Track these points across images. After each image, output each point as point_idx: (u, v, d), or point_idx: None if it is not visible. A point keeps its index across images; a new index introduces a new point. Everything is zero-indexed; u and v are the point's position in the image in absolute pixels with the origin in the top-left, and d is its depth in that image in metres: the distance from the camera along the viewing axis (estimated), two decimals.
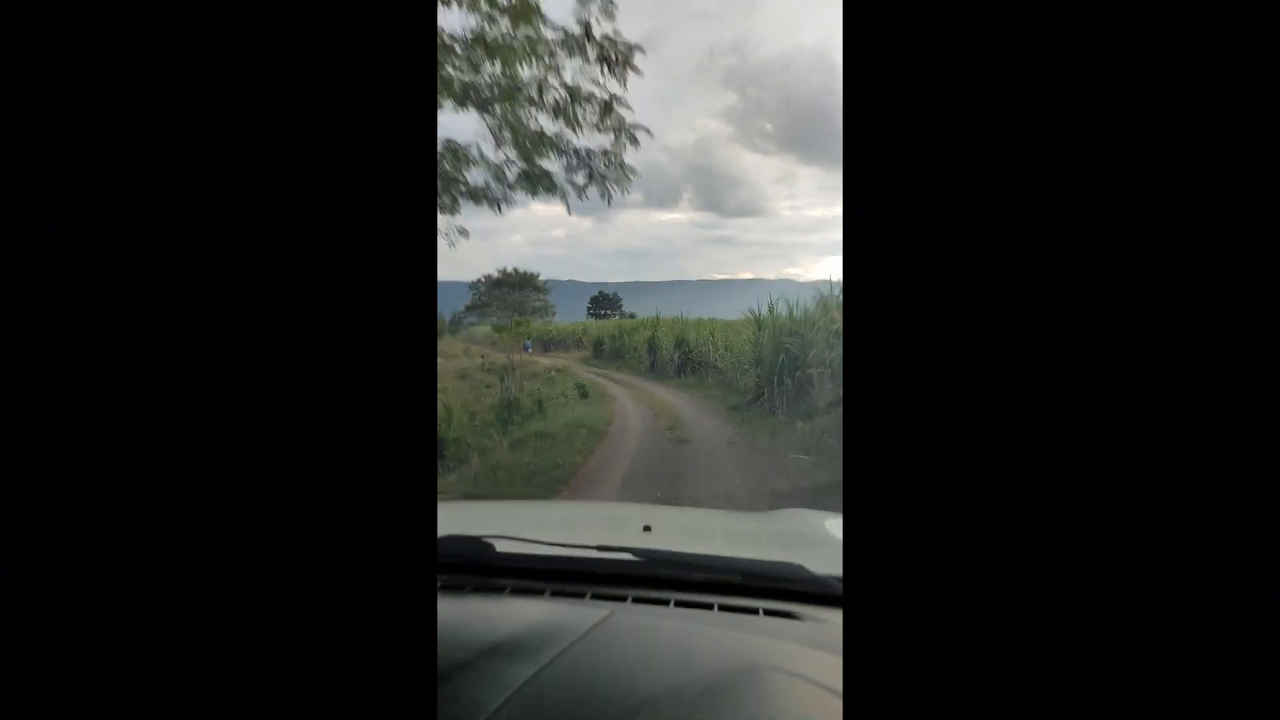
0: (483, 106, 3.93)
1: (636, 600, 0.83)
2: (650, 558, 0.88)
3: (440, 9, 3.43)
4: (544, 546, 0.91)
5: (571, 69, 3.88)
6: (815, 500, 3.96)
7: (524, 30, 3.69)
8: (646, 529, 1.09)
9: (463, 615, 0.77)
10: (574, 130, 4.06)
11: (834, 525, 1.35)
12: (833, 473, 4.51)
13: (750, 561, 0.88)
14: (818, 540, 1.23)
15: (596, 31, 3.78)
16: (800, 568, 0.84)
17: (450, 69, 3.68)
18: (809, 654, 0.68)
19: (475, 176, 4.24)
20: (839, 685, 0.55)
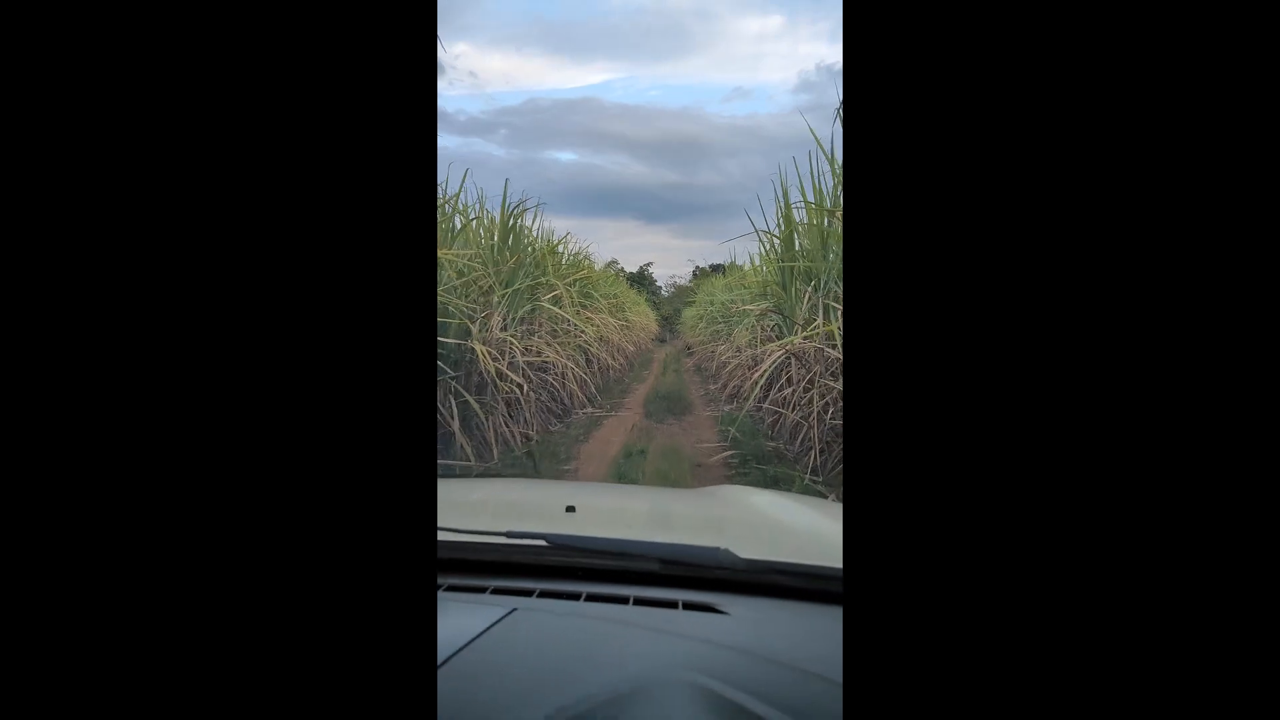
0: None
1: (543, 594, 0.74)
2: (562, 544, 0.79)
3: None
4: (446, 533, 0.79)
5: None
6: None
7: None
8: (570, 509, 0.99)
9: None
10: None
11: (764, 503, 1.24)
12: None
13: (671, 546, 0.78)
14: (746, 520, 1.14)
15: None
16: (726, 552, 0.75)
17: None
18: (732, 656, 0.61)
19: None
20: (761, 692, 0.52)
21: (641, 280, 27.55)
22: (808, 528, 1.05)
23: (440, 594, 0.72)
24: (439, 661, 0.55)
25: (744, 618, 0.69)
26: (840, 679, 0.43)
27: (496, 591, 0.73)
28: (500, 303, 4.46)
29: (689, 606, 0.71)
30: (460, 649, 0.58)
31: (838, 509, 1.13)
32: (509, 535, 0.79)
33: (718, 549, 0.74)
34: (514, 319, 4.64)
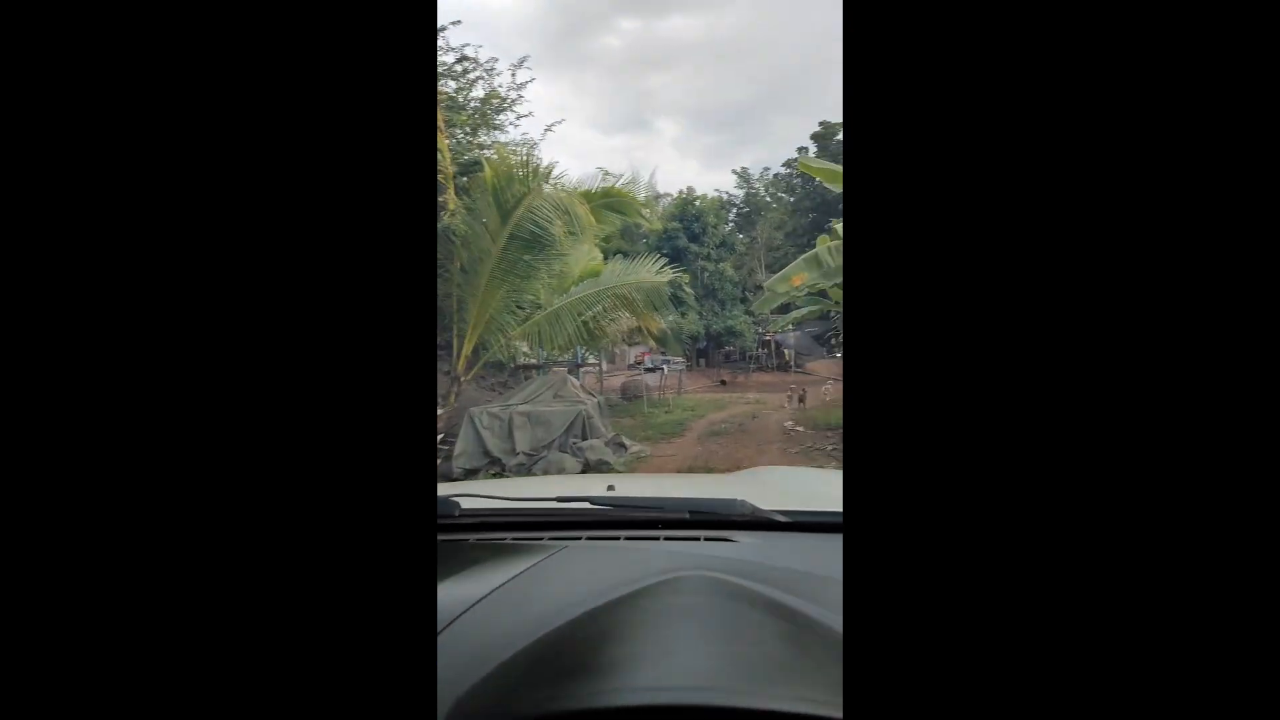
0: None
1: (590, 539, 0.92)
2: (605, 503, 0.99)
3: None
4: (506, 501, 1.01)
5: None
6: None
7: None
8: (610, 488, 1.17)
9: None
10: None
11: (784, 474, 1.63)
12: None
13: (697, 500, 0.97)
14: (776, 488, 1.35)
15: None
16: (743, 502, 0.94)
17: None
18: (736, 563, 0.77)
19: None
20: (756, 577, 0.70)
21: None
22: (811, 488, 1.34)
23: (509, 544, 0.90)
24: (505, 579, 0.71)
25: (748, 544, 0.87)
26: (822, 578, 0.68)
27: (553, 539, 0.91)
28: None
29: (709, 539, 0.89)
30: (523, 571, 0.75)
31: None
32: (560, 500, 1.01)
33: (735, 500, 0.94)
34: None
